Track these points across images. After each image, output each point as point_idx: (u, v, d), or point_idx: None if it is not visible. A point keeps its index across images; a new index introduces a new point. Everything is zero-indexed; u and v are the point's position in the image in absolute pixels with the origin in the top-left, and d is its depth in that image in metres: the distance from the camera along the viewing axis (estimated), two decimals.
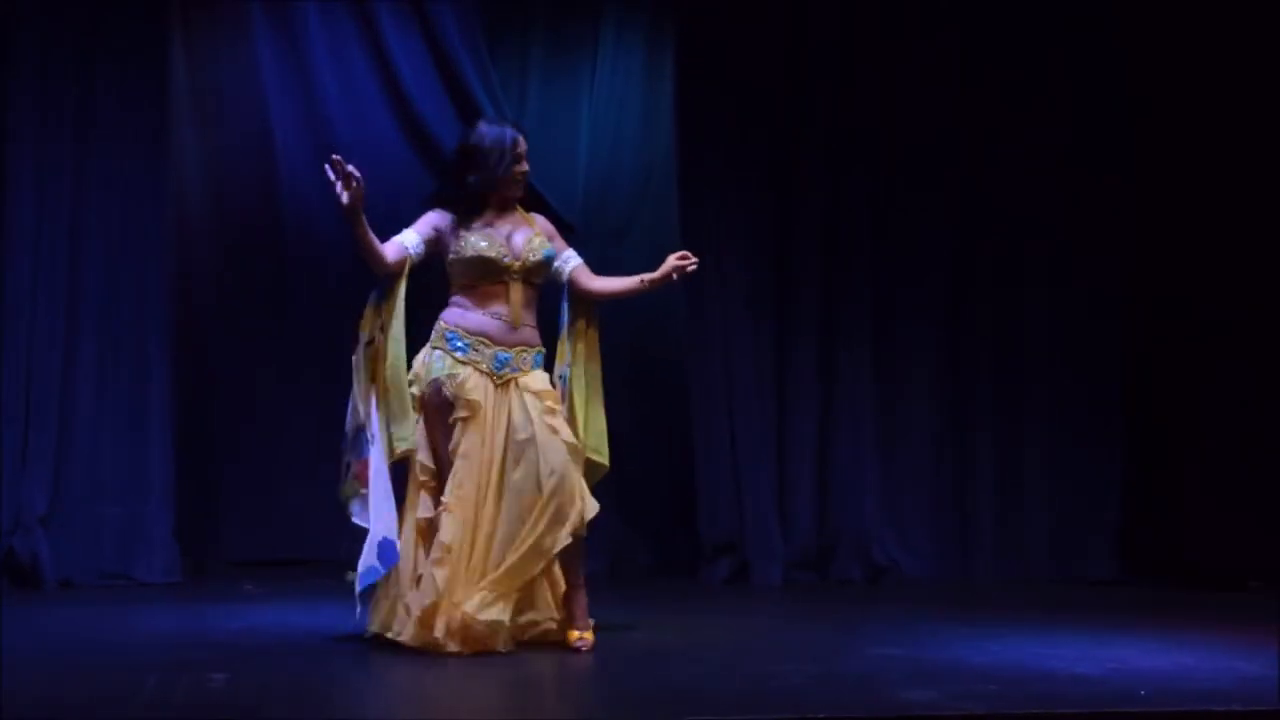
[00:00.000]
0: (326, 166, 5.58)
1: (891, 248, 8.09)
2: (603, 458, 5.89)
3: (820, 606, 7.35)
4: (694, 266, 5.85)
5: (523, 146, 5.86)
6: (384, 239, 8.17)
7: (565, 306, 5.96)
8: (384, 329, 5.73)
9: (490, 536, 5.62)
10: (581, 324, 5.94)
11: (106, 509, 7.52)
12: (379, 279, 5.80)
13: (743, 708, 4.85)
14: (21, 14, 7.49)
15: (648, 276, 5.88)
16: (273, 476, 8.19)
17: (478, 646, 5.55)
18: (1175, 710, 4.85)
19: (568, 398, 5.85)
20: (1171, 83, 8.06)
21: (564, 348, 5.91)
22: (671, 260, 5.85)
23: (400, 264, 5.75)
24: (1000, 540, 8.07)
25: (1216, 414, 7.97)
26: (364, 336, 5.76)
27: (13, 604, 6.69)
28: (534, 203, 6.15)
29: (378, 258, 5.72)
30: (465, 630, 5.55)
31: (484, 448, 5.66)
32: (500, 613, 5.56)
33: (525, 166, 5.86)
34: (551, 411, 5.71)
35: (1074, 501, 8.07)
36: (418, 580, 5.69)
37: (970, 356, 8.14)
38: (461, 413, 5.66)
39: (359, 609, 5.77)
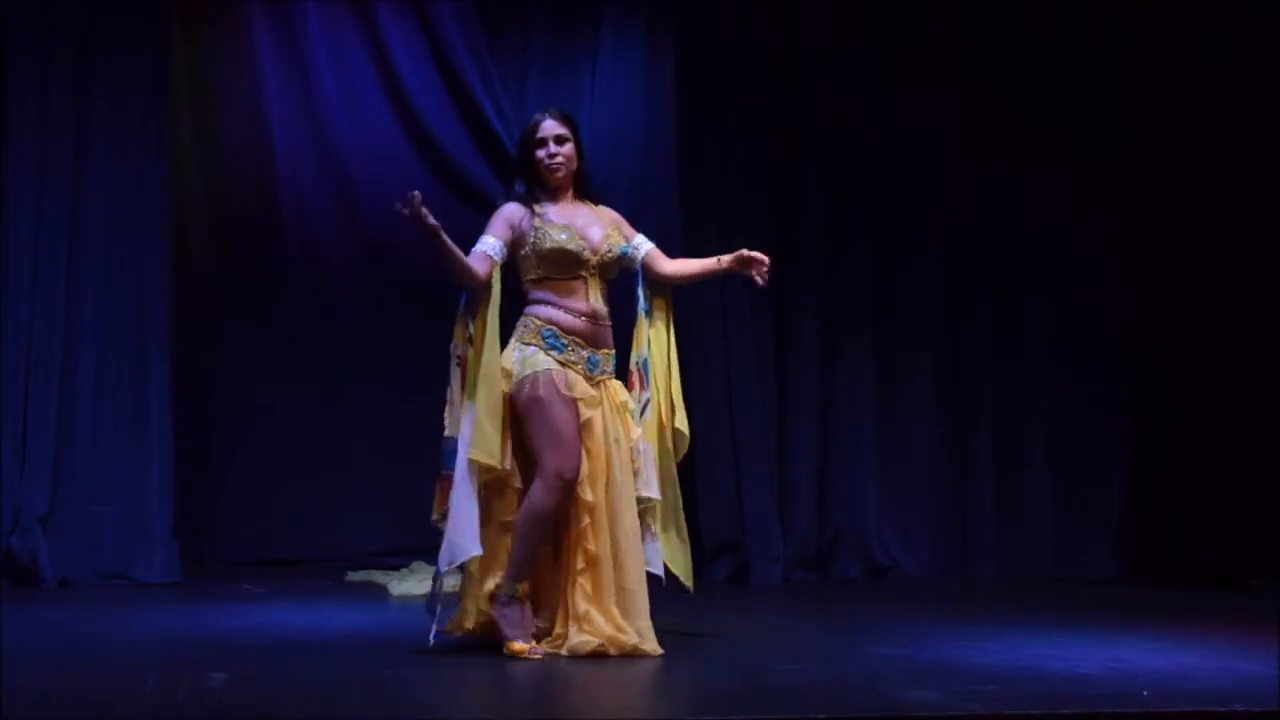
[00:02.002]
0: (399, 205, 5.37)
1: (892, 248, 8.09)
2: (685, 430, 5.83)
3: (820, 606, 7.34)
4: (762, 275, 5.73)
5: (546, 131, 5.70)
6: (389, 244, 8.24)
7: (641, 292, 5.82)
8: (473, 341, 5.57)
9: (617, 541, 5.60)
10: (659, 309, 5.82)
11: (106, 509, 7.51)
12: (464, 289, 5.62)
13: (743, 707, 4.85)
14: (21, 14, 7.48)
15: (725, 257, 5.79)
16: (273, 476, 8.20)
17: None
18: (1175, 710, 4.85)
19: (651, 384, 5.75)
20: (1172, 83, 8.07)
21: (642, 334, 5.80)
22: (753, 254, 5.71)
23: (489, 274, 5.58)
24: (1000, 540, 8.07)
25: (1216, 414, 7.97)
26: (455, 349, 5.61)
27: (12, 604, 6.69)
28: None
29: (468, 273, 5.53)
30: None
31: (601, 452, 5.60)
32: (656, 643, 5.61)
33: (551, 150, 5.69)
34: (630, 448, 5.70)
35: (1074, 501, 8.07)
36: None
37: (971, 357, 8.14)
38: (586, 412, 5.56)
39: (432, 621, 5.61)
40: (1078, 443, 8.09)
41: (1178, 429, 8.11)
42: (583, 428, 5.57)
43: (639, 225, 8.32)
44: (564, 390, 5.56)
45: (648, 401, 5.75)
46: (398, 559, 7.74)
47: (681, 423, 5.79)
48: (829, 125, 8.03)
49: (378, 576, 7.55)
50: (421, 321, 7.96)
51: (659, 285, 5.85)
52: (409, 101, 8.27)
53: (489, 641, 5.57)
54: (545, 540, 5.59)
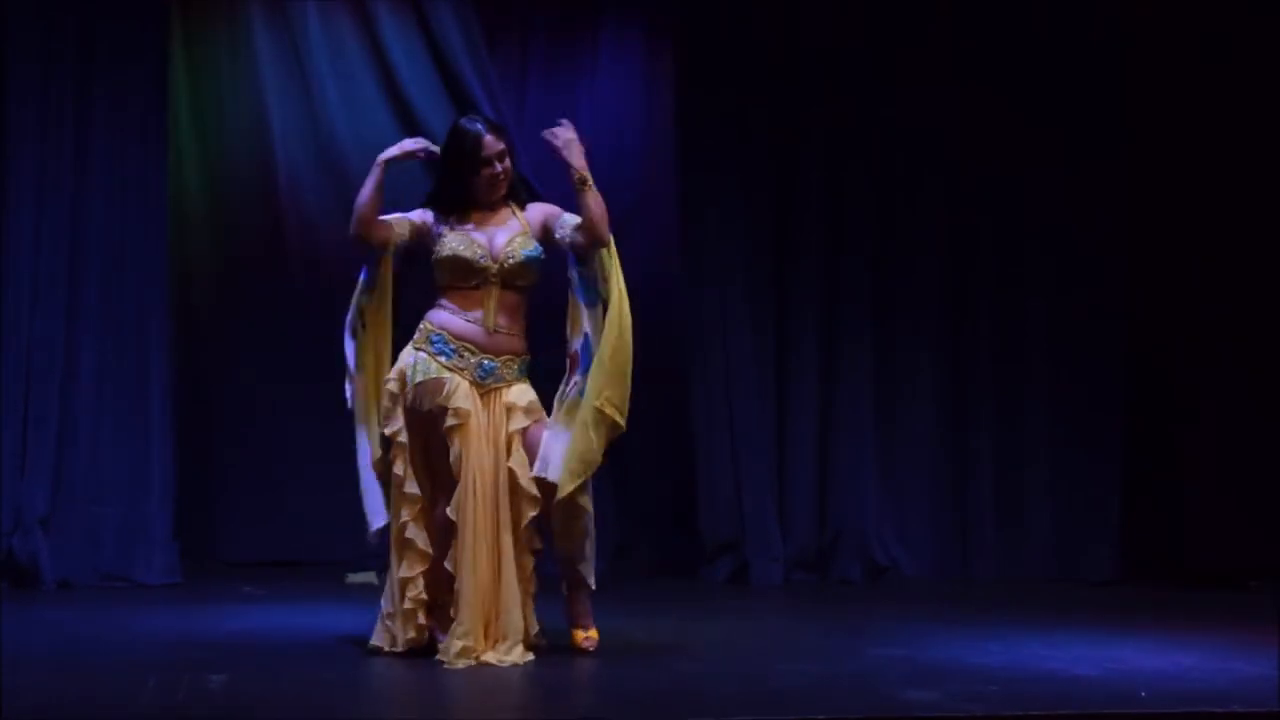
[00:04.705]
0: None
1: (892, 247, 8.09)
2: (616, 415, 5.58)
3: (820, 606, 7.35)
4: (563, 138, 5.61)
5: (490, 149, 5.65)
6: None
7: (576, 274, 5.68)
8: (366, 325, 5.76)
9: (492, 555, 5.53)
10: (606, 295, 5.62)
11: (106, 509, 7.50)
12: (364, 262, 5.77)
13: (743, 708, 4.85)
14: (21, 14, 7.48)
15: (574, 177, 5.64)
16: (273, 477, 8.19)
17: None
18: (1175, 711, 4.86)
19: (592, 369, 5.56)
20: (1172, 83, 8.06)
21: (580, 318, 5.64)
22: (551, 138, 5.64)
23: (383, 235, 5.68)
24: (1000, 540, 8.07)
25: (1216, 414, 7.97)
26: (350, 324, 5.77)
27: (12, 604, 6.70)
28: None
29: (372, 210, 5.68)
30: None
31: (476, 458, 5.53)
32: (520, 655, 5.51)
33: (496, 169, 5.65)
34: (529, 427, 5.59)
35: (1074, 501, 8.06)
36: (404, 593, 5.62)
37: (971, 357, 8.14)
38: (451, 421, 5.54)
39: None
40: (1078, 443, 8.08)
41: (1178, 429, 8.11)
42: (447, 434, 5.53)
43: (639, 226, 8.36)
44: (439, 400, 5.55)
45: (575, 385, 5.61)
46: None
47: (614, 410, 5.56)
48: (829, 125, 8.02)
49: (377, 578, 7.54)
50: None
51: (592, 255, 5.62)
52: (408, 103, 8.26)
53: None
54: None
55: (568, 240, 5.65)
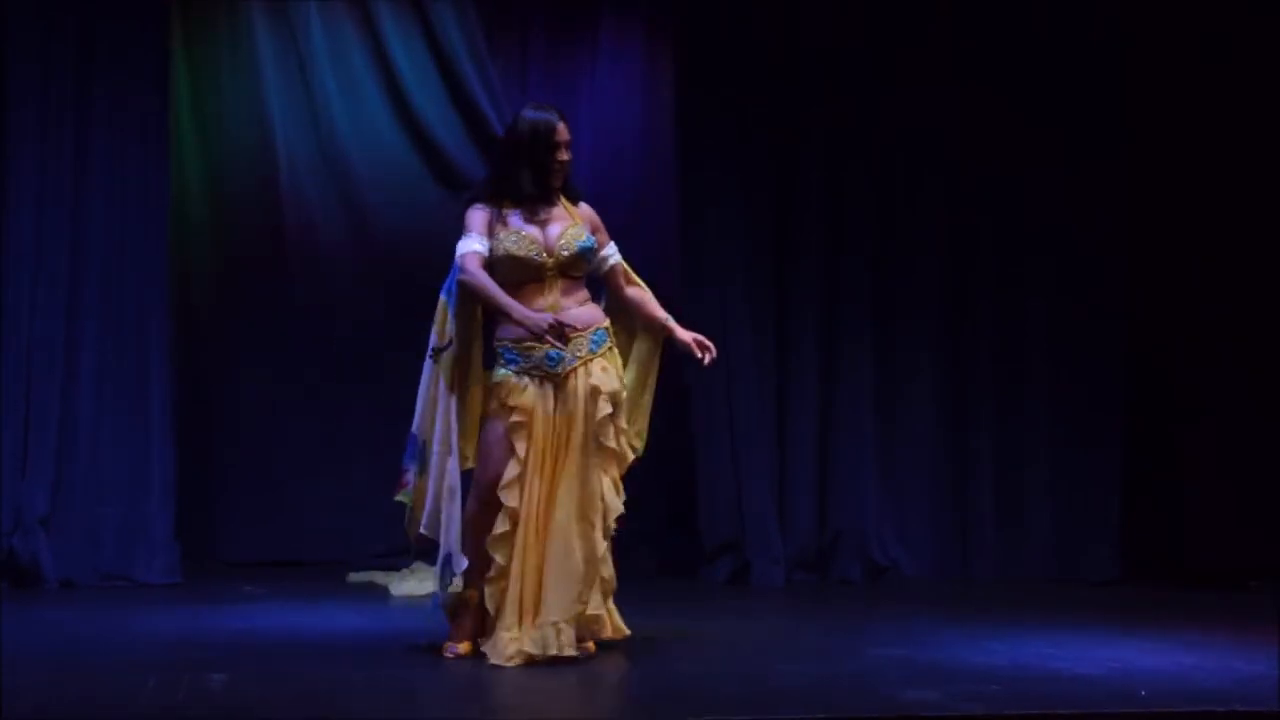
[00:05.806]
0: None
1: (892, 247, 8.08)
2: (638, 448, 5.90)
3: (820, 606, 7.35)
4: (710, 359, 5.83)
5: (563, 135, 5.66)
6: (389, 244, 8.31)
7: (604, 303, 5.84)
8: (460, 337, 5.63)
9: (538, 551, 5.52)
10: (625, 334, 5.83)
11: (106, 509, 7.50)
12: (452, 283, 5.66)
13: (743, 708, 4.86)
14: (21, 14, 7.48)
15: (682, 331, 5.81)
16: (273, 477, 8.19)
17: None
18: (1175, 710, 4.86)
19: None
20: (1172, 83, 8.07)
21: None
22: (697, 341, 5.80)
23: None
24: (1000, 540, 8.06)
25: (1217, 414, 7.97)
26: (434, 340, 5.66)
27: (13, 604, 6.70)
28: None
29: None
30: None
31: (541, 456, 5.54)
32: (564, 643, 5.49)
33: (565, 156, 5.66)
34: (604, 428, 5.59)
35: (1074, 501, 8.06)
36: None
37: (971, 357, 8.14)
38: (516, 418, 5.54)
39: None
40: (1078, 443, 8.08)
41: (1178, 429, 8.11)
42: (511, 430, 5.54)
43: (639, 226, 8.36)
44: (503, 401, 5.57)
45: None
46: (399, 560, 7.74)
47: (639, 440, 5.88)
48: (829, 125, 8.02)
49: (379, 577, 7.55)
50: (423, 321, 7.94)
51: (621, 310, 5.84)
52: (408, 102, 8.27)
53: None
54: (478, 547, 5.57)
55: (603, 273, 5.81)
